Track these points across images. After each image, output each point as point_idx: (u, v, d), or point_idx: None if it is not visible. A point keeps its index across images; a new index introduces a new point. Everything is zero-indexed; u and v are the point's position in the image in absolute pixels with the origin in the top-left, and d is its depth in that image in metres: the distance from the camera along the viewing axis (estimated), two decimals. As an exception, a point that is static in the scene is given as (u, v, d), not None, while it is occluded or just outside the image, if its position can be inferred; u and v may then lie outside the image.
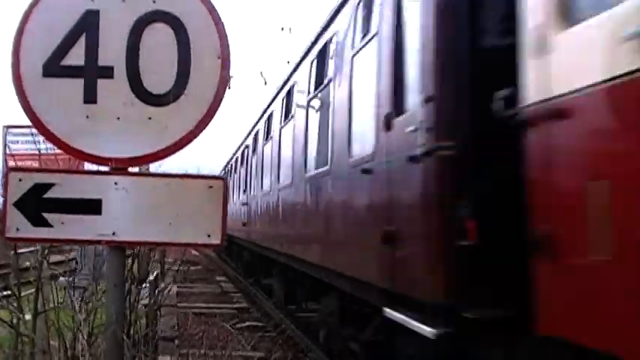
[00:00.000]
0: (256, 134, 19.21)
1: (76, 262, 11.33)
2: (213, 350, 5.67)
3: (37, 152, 6.56)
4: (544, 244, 3.82)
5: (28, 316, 5.78)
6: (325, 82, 9.52)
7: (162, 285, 17.71)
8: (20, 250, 6.71)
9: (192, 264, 30.91)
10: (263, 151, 17.11)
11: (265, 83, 38.46)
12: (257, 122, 19.17)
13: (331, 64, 9.13)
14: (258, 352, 12.79)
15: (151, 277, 11.96)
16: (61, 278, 6.86)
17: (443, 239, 5.01)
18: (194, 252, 41.84)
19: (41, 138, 4.88)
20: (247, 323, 15.99)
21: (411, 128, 5.45)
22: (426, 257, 5.34)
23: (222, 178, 4.51)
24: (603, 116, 3.41)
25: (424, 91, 5.34)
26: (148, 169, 5.77)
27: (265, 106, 16.84)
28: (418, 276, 5.50)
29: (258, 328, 15.88)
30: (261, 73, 60.15)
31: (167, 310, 14.34)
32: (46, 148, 6.11)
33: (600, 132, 3.47)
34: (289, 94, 12.68)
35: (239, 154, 26.03)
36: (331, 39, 9.18)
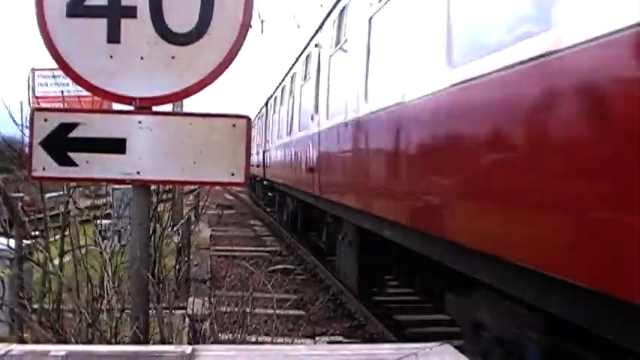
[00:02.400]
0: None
1: (110, 207, 11.46)
2: (246, 292, 5.70)
3: (60, 94, 6.59)
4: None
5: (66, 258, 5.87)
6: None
7: (196, 228, 17.94)
8: (51, 194, 6.80)
9: (227, 207, 31.19)
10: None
11: (298, 27, 38.33)
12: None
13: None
14: (289, 294, 12.93)
15: (184, 220, 12.12)
16: (98, 221, 6.95)
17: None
18: (228, 196, 42.31)
19: (67, 80, 4.90)
20: (280, 266, 16.11)
21: None
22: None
23: (246, 117, 4.50)
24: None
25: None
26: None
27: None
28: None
29: (290, 270, 16.01)
30: (293, 16, 59.67)
31: (201, 253, 14.47)
32: (74, 90, 6.14)
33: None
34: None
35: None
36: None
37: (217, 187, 39.00)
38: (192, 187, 17.94)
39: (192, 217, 15.35)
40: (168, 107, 5.20)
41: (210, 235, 19.74)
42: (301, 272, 16.24)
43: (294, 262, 17.78)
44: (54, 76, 10.59)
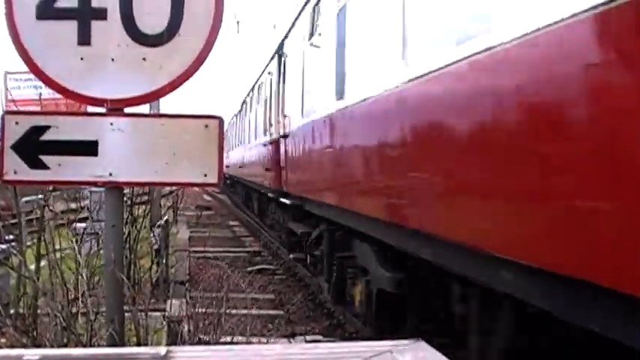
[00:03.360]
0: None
1: (88, 210, 11.41)
2: (221, 293, 5.70)
3: (36, 98, 6.56)
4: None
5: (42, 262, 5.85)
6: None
7: (175, 230, 17.87)
8: (27, 198, 6.76)
9: (205, 209, 31.13)
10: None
11: (274, 27, 38.37)
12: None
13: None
14: (268, 294, 12.94)
15: (162, 222, 12.09)
16: (78, 224, 6.92)
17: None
18: (207, 198, 42.22)
19: (41, 83, 4.89)
20: (258, 267, 16.11)
21: None
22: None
23: (218, 117, 4.50)
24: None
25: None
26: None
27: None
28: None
29: (269, 271, 16.03)
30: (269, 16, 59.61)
31: (179, 254, 14.44)
32: (48, 93, 6.12)
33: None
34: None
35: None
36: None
37: (196, 189, 39.02)
38: (170, 188, 17.90)
39: (170, 219, 15.33)
40: (145, 108, 5.18)
41: (189, 237, 19.65)
42: (280, 272, 16.23)
43: (273, 261, 17.77)
44: (30, 79, 10.54)
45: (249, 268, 15.32)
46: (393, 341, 3.54)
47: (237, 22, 32.34)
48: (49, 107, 6.20)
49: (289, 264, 16.48)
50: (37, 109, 6.75)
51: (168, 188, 18.34)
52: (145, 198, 11.73)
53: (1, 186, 6.57)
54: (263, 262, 17.41)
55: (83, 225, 9.72)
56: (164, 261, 11.46)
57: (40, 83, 4.95)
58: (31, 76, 5.35)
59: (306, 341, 8.96)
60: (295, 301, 13.01)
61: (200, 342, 4.87)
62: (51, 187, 6.04)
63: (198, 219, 26.02)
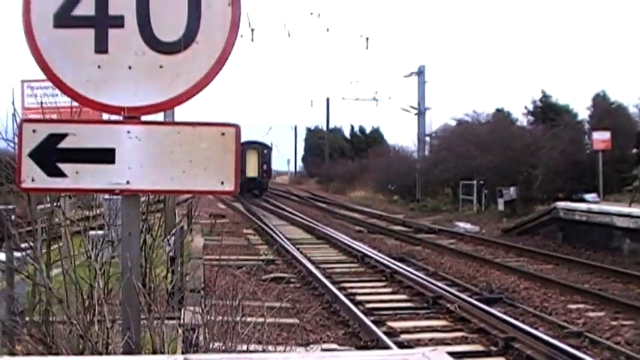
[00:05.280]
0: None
1: (103, 217, 11.42)
2: (236, 301, 5.68)
3: (52, 105, 6.58)
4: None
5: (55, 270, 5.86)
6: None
7: (189, 237, 17.91)
8: (41, 206, 6.77)
9: (220, 217, 31.16)
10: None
11: (289, 35, 38.39)
12: None
13: None
14: (283, 302, 12.91)
15: (176, 229, 12.09)
16: (92, 232, 6.93)
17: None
18: (222, 206, 42.26)
19: (57, 91, 4.90)
20: (273, 275, 16.11)
21: None
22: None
23: (235, 125, 4.49)
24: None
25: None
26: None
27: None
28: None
29: (284, 279, 16.02)
30: (284, 24, 59.75)
31: (194, 262, 14.45)
32: (63, 102, 6.13)
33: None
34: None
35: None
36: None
37: (210, 197, 39.05)
38: (185, 197, 17.93)
39: (185, 227, 15.34)
40: (159, 117, 5.18)
41: (204, 245, 19.69)
42: (295, 280, 16.26)
43: (287, 269, 17.81)
44: (42, 87, 10.59)
45: (264, 277, 15.34)
46: (410, 349, 3.53)
47: (252, 30, 32.34)
48: (65, 115, 6.18)
49: (304, 273, 16.51)
50: (54, 117, 6.73)
51: (182, 196, 18.37)
52: (160, 206, 11.74)
53: (17, 194, 6.59)
54: (277, 270, 17.45)
55: (99, 232, 9.76)
56: (179, 269, 11.45)
57: (57, 91, 4.97)
58: (48, 84, 5.37)
59: (322, 349, 8.93)
60: (310, 309, 13.03)
61: (215, 350, 4.86)
62: (63, 194, 6.05)
63: (212, 227, 26.03)
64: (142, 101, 4.44)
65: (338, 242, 23.16)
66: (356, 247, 21.27)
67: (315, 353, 6.49)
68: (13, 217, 6.77)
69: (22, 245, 6.06)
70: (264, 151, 57.87)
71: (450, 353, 3.55)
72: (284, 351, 5.34)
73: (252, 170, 54.68)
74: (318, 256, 20.39)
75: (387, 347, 9.19)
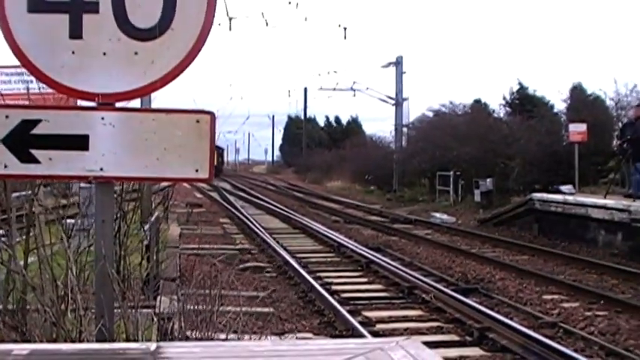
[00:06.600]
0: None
1: (78, 206, 11.36)
2: (212, 290, 5.67)
3: (24, 92, 6.53)
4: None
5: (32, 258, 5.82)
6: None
7: (165, 226, 17.85)
8: (17, 194, 6.72)
9: (197, 206, 31.08)
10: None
11: (267, 24, 38.34)
12: None
13: None
14: (259, 291, 12.92)
15: (152, 218, 12.05)
16: (70, 220, 6.89)
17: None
18: (198, 195, 42.15)
19: (32, 77, 4.86)
20: (249, 264, 16.12)
21: None
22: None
23: (210, 112, 4.47)
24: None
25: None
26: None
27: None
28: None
29: (260, 268, 16.04)
30: (262, 13, 59.54)
31: (170, 251, 14.41)
32: (37, 88, 6.09)
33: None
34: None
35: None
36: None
37: (186, 186, 38.92)
38: (161, 185, 17.90)
39: (161, 215, 15.29)
40: (136, 103, 5.14)
41: (180, 234, 19.64)
42: (271, 269, 16.26)
43: (264, 259, 17.81)
44: (19, 74, 10.50)
45: (241, 266, 15.34)
46: (384, 338, 3.53)
47: (230, 19, 32.23)
48: (37, 102, 6.14)
49: (280, 262, 16.52)
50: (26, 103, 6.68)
51: (159, 185, 18.32)
52: (135, 195, 11.69)
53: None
54: (253, 259, 17.45)
55: (73, 221, 9.71)
56: (154, 257, 11.42)
57: (30, 77, 4.93)
58: (22, 70, 5.32)
59: (297, 339, 8.95)
60: (285, 298, 13.04)
61: (190, 339, 4.85)
62: (40, 181, 6.00)
63: (189, 216, 25.98)
64: (116, 88, 4.41)
65: (314, 232, 23.15)
66: (332, 236, 21.27)
67: (288, 341, 6.52)
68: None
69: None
70: (219, 151, 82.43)
71: (425, 343, 3.55)
72: (258, 339, 5.36)
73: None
74: (295, 246, 20.38)
75: (362, 336, 9.22)
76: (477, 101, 45.24)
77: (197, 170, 4.41)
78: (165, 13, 4.38)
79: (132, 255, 6.26)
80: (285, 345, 3.91)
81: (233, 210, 30.67)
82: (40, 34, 4.41)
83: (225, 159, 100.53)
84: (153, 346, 3.28)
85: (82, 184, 10.69)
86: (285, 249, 18.88)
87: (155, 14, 4.38)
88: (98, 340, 4.18)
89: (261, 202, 36.61)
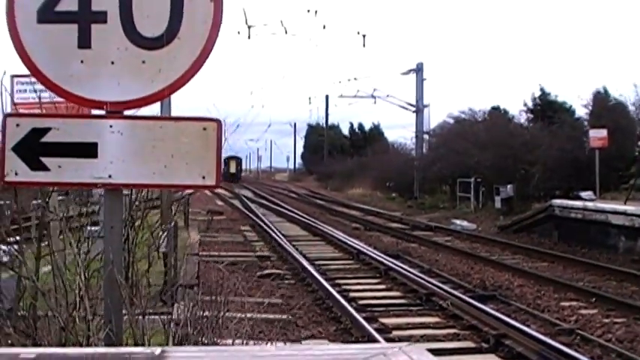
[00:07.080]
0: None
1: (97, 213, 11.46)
2: (220, 296, 5.71)
3: (49, 101, 6.60)
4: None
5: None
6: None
7: (186, 234, 17.94)
8: (38, 201, 6.80)
9: (217, 213, 31.20)
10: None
11: (286, 32, 38.46)
12: None
13: None
14: (276, 298, 12.96)
15: (170, 225, 12.12)
16: (89, 228, 6.95)
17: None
18: (219, 202, 42.30)
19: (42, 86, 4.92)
20: (267, 271, 16.17)
21: None
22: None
23: (217, 120, 4.52)
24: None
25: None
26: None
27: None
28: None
29: (279, 275, 16.07)
30: (281, 22, 59.70)
31: (189, 258, 14.47)
32: (49, 97, 6.16)
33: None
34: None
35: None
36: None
37: (207, 194, 39.07)
38: (181, 193, 18.01)
39: (180, 223, 15.38)
40: (152, 110, 5.18)
41: (199, 241, 19.74)
42: (289, 276, 16.30)
43: (282, 266, 17.86)
44: (31, 83, 10.61)
45: (259, 273, 15.39)
46: (387, 343, 3.56)
47: (249, 27, 32.36)
48: (48, 110, 6.22)
49: (298, 269, 16.56)
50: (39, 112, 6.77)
51: (179, 193, 18.44)
52: (157, 203, 11.78)
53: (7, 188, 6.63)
54: (272, 266, 17.50)
55: (94, 228, 9.78)
56: (172, 264, 11.51)
57: (41, 86, 5.00)
58: (30, 79, 5.40)
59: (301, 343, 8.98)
60: (303, 305, 13.07)
61: (196, 343, 4.89)
62: (52, 189, 6.07)
63: (209, 224, 26.08)
64: (124, 96, 4.47)
65: (334, 239, 23.18)
66: (352, 244, 21.29)
67: (291, 346, 6.54)
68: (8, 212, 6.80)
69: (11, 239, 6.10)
70: (238, 160, 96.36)
71: (441, 350, 3.58)
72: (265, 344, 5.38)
73: (233, 169, 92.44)
74: (314, 253, 20.41)
75: (372, 341, 9.24)
76: (495, 108, 45.10)
77: (204, 177, 4.45)
78: (172, 22, 4.43)
79: (140, 262, 6.30)
80: (288, 350, 3.94)
81: (254, 217, 30.75)
82: (50, 44, 4.48)
83: (243, 167, 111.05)
84: (158, 350, 3.32)
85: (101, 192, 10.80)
86: (304, 256, 18.92)
87: (162, 23, 4.43)
88: (106, 345, 4.23)
89: (282, 210, 36.68)
